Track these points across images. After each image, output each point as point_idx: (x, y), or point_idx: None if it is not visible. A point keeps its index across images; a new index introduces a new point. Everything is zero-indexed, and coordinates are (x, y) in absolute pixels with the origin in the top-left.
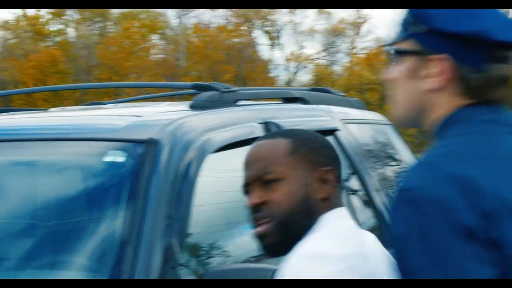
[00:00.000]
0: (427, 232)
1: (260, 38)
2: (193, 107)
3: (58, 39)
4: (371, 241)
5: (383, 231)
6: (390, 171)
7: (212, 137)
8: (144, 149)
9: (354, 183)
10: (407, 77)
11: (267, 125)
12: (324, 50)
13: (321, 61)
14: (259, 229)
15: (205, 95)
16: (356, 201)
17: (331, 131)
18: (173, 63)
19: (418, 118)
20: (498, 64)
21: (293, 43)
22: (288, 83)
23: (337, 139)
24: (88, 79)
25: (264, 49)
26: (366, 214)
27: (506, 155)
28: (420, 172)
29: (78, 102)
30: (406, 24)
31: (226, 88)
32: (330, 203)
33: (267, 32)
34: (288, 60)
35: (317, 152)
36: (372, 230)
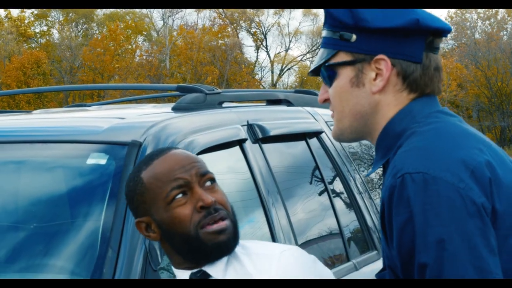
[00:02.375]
0: (443, 209)
1: (246, 40)
2: (177, 109)
3: (41, 40)
4: None
5: (365, 232)
6: (374, 173)
7: (196, 139)
8: (127, 151)
9: (337, 186)
10: (349, 87)
11: (251, 126)
12: (310, 52)
13: (306, 63)
14: (217, 225)
15: (189, 97)
16: (339, 203)
17: (316, 133)
18: (158, 65)
19: (366, 126)
20: (431, 53)
21: (278, 44)
22: (273, 85)
23: (321, 142)
24: (71, 81)
25: (249, 51)
26: (349, 217)
27: (478, 139)
28: (423, 156)
29: (61, 104)
30: (330, 40)
31: (210, 90)
32: None
33: (252, 34)
34: (273, 62)
35: None
36: (355, 232)
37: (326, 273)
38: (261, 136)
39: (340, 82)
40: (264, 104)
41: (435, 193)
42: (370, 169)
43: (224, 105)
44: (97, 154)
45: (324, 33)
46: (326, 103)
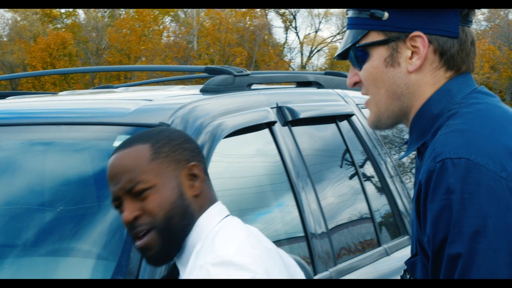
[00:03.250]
0: (482, 199)
1: (275, 21)
2: (205, 91)
3: (67, 21)
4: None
5: (396, 217)
6: (405, 157)
7: (225, 122)
8: None
9: (368, 169)
10: (384, 67)
11: (281, 109)
12: (340, 33)
13: (336, 45)
14: (140, 242)
15: (217, 78)
16: (370, 187)
17: (346, 116)
18: (185, 46)
19: (402, 108)
20: (466, 26)
21: (308, 26)
22: (303, 67)
23: (352, 124)
24: (98, 62)
25: (278, 32)
26: (380, 201)
27: None
28: (466, 140)
29: (87, 85)
30: (358, 20)
31: (239, 72)
32: (204, 198)
33: (281, 15)
34: (302, 43)
35: (180, 149)
36: (386, 217)
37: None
38: (290, 118)
39: (373, 63)
40: (294, 86)
41: (476, 182)
42: (402, 152)
43: (253, 87)
44: (124, 137)
45: (350, 13)
46: (356, 86)
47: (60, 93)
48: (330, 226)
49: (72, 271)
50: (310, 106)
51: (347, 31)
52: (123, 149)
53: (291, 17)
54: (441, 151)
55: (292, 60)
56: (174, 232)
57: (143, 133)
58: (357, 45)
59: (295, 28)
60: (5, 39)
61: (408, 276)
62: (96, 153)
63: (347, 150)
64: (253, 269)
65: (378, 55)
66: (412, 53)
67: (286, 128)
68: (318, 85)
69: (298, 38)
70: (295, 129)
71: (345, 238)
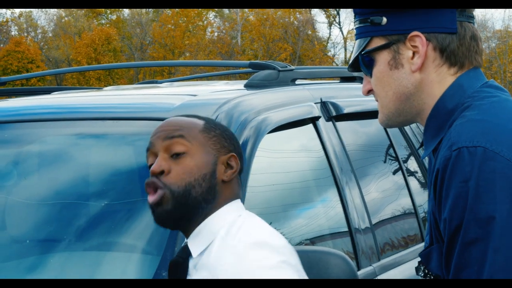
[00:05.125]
0: (497, 186)
1: (318, 16)
2: (250, 86)
3: (112, 16)
4: None
5: None
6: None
7: (269, 117)
8: None
9: (412, 165)
10: (388, 70)
11: (325, 104)
12: None
13: None
14: (155, 196)
15: (262, 74)
16: (414, 182)
17: None
18: (229, 41)
19: (413, 107)
20: (466, 21)
21: (351, 21)
22: (346, 62)
23: None
24: (142, 57)
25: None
26: (424, 196)
27: None
28: (481, 129)
29: (131, 80)
30: (362, 29)
31: (283, 67)
32: (230, 189)
33: (325, 10)
34: (346, 38)
35: (229, 139)
36: None
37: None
38: (334, 114)
39: (379, 68)
40: (338, 81)
41: (491, 169)
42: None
43: (297, 82)
44: None
45: (356, 24)
46: (370, 94)
47: (105, 88)
48: (373, 221)
49: (117, 266)
50: (354, 101)
51: (356, 42)
52: (181, 116)
53: (335, 12)
54: (457, 139)
55: (336, 56)
56: (190, 200)
57: (203, 116)
58: (362, 52)
59: (339, 23)
60: (50, 35)
61: (422, 268)
62: (141, 148)
63: (391, 145)
64: (286, 254)
65: (382, 60)
66: (413, 53)
67: (330, 123)
68: (362, 80)
69: (342, 33)
70: (339, 124)
71: (389, 233)
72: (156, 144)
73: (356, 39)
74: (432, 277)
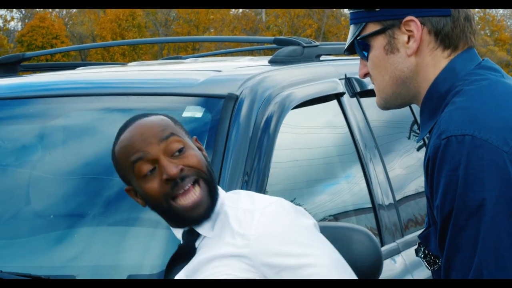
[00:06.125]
0: (486, 173)
1: None
2: (274, 62)
3: None
4: None
5: None
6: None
7: (293, 93)
8: (223, 104)
9: None
10: (384, 55)
11: (349, 80)
12: None
13: None
14: (194, 197)
15: (286, 49)
16: None
17: None
18: (254, 18)
19: (410, 90)
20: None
21: None
22: None
23: None
24: (166, 33)
25: None
26: None
27: None
28: (469, 117)
29: (156, 56)
30: (356, 15)
31: (307, 43)
32: None
33: None
34: None
35: (180, 124)
36: None
37: (307, 230)
38: (359, 90)
39: (375, 53)
40: None
41: (479, 157)
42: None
43: (322, 58)
44: (193, 107)
45: (350, 10)
46: (367, 77)
47: (129, 63)
48: (397, 198)
49: (142, 241)
50: None
51: (351, 27)
52: (142, 118)
53: None
54: (445, 128)
55: None
56: (215, 184)
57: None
58: (358, 38)
59: None
60: (74, 10)
61: (422, 249)
62: None
63: (415, 121)
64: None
65: (378, 45)
66: (409, 37)
67: (355, 99)
68: None
69: None
70: (364, 100)
71: (412, 210)
72: (152, 151)
73: (351, 24)
74: (432, 258)
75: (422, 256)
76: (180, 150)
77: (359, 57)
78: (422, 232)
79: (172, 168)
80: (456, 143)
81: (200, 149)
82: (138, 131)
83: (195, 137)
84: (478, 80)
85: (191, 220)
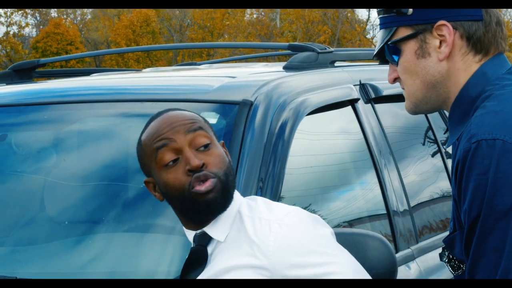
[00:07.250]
0: None
1: None
2: (289, 68)
3: None
4: None
5: None
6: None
7: (308, 99)
8: (237, 111)
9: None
10: (416, 59)
11: (364, 86)
12: None
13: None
14: (207, 184)
15: (301, 55)
16: None
17: None
18: (268, 23)
19: (440, 95)
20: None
21: None
22: None
23: None
24: (181, 39)
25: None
26: None
27: None
28: (499, 121)
29: (170, 62)
30: (387, 19)
31: (322, 49)
32: None
33: None
34: None
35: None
36: None
37: (325, 238)
38: (373, 96)
39: (406, 57)
40: (377, 63)
41: (509, 161)
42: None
43: (336, 64)
44: (207, 113)
45: (380, 14)
46: (396, 82)
47: (144, 70)
48: (412, 204)
49: (155, 247)
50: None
51: (380, 31)
52: (174, 110)
53: None
54: (476, 132)
55: (375, 38)
56: (231, 186)
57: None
58: (389, 43)
59: None
60: (89, 17)
61: (446, 254)
62: None
63: (430, 128)
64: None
65: (409, 49)
66: (440, 42)
67: (369, 105)
68: None
69: None
70: (378, 106)
71: (427, 216)
72: (178, 140)
73: (381, 29)
74: (456, 263)
75: (446, 260)
76: (206, 146)
77: (375, 63)
78: (447, 237)
79: (195, 159)
80: (487, 147)
81: (226, 154)
82: (168, 120)
83: (222, 141)
84: (508, 85)
85: (204, 206)
